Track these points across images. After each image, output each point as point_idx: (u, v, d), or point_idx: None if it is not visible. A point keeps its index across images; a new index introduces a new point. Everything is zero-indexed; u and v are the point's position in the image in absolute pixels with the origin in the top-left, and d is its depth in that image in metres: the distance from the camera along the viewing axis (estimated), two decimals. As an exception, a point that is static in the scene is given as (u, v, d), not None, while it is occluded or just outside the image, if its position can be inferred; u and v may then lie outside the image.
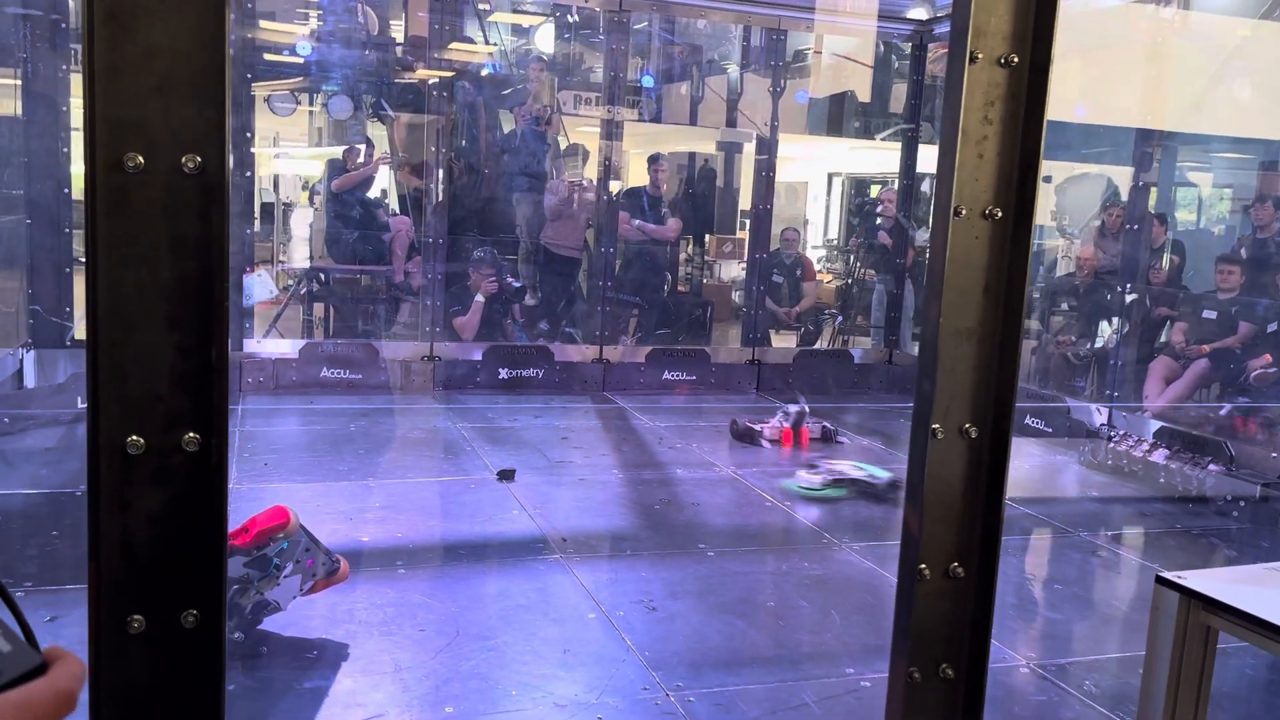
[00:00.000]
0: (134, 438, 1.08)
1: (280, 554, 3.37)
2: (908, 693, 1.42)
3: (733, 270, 10.59)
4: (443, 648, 3.47)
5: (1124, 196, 7.90)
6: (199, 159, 1.05)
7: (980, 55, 1.33)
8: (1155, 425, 6.68)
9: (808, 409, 6.89)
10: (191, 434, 1.09)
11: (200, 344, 1.08)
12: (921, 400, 1.40)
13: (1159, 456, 6.36)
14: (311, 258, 8.65)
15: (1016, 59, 1.34)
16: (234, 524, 3.40)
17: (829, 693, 3.35)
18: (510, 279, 8.30)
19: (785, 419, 6.83)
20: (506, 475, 5.52)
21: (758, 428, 6.75)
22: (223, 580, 1.14)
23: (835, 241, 13.64)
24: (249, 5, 7.57)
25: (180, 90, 1.04)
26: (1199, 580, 1.71)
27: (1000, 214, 1.37)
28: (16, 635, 0.63)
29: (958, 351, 1.39)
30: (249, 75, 7.68)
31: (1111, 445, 6.75)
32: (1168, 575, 1.74)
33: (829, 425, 6.95)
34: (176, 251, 1.06)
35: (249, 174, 7.64)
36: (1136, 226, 7.22)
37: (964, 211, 1.36)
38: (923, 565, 1.41)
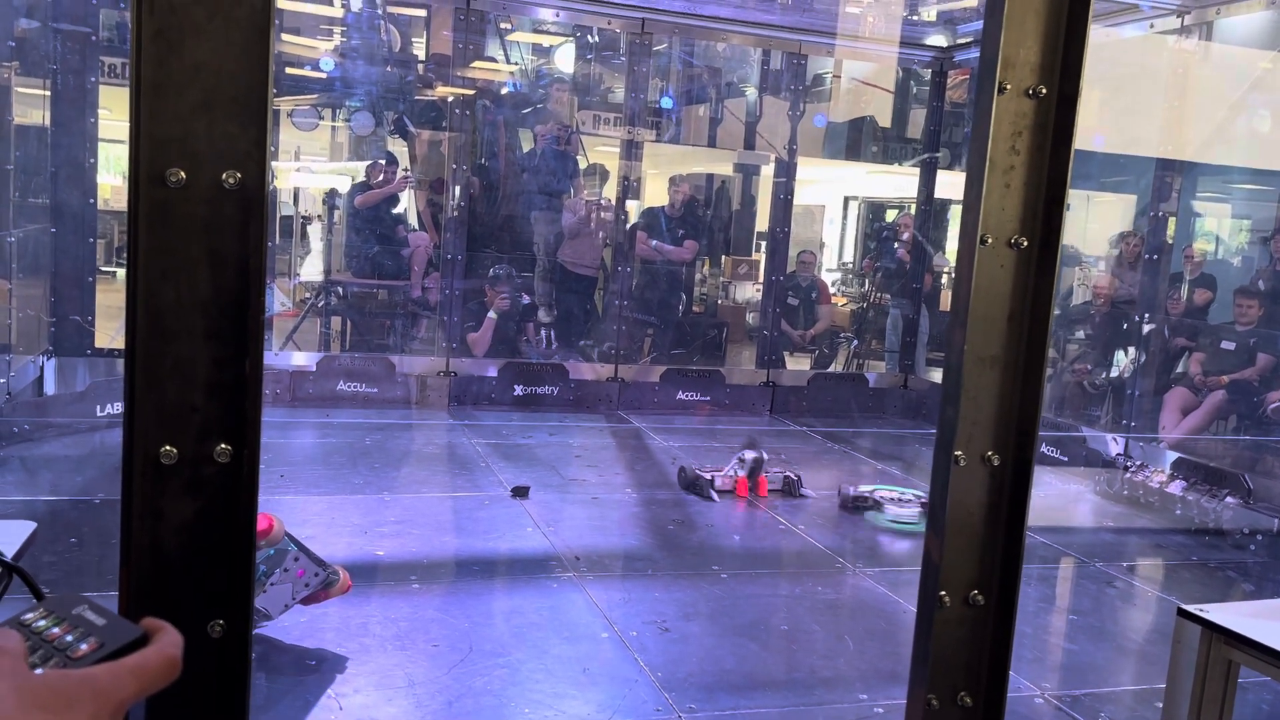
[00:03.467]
0: (167, 448, 1.09)
1: (266, 561, 3.36)
2: (926, 720, 1.42)
3: (748, 292, 10.60)
4: (456, 663, 3.48)
5: (1136, 226, 7.88)
6: (239, 175, 1.07)
7: (1009, 86, 1.34)
8: (1172, 456, 6.64)
9: (765, 456, 6.05)
10: (223, 445, 1.11)
11: (235, 356, 1.10)
12: (944, 427, 1.41)
13: (1176, 488, 6.32)
14: (328, 271, 8.70)
15: (1044, 90, 1.35)
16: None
17: (842, 718, 3.33)
18: (521, 295, 8.33)
19: (740, 467, 5.92)
20: (520, 492, 5.53)
21: (707, 476, 5.84)
22: (250, 591, 1.15)
23: (851, 265, 13.64)
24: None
25: (223, 107, 1.07)
26: (1221, 614, 1.70)
27: (1026, 243, 1.38)
28: (108, 610, 0.66)
29: (981, 379, 1.39)
30: (272, 89, 7.76)
31: (1128, 475, 6.71)
32: (1189, 608, 1.73)
33: (792, 475, 6.00)
34: (215, 265, 1.08)
35: (270, 188, 7.72)
36: (1155, 256, 7.20)
37: (990, 240, 1.37)
38: (943, 592, 1.41)
